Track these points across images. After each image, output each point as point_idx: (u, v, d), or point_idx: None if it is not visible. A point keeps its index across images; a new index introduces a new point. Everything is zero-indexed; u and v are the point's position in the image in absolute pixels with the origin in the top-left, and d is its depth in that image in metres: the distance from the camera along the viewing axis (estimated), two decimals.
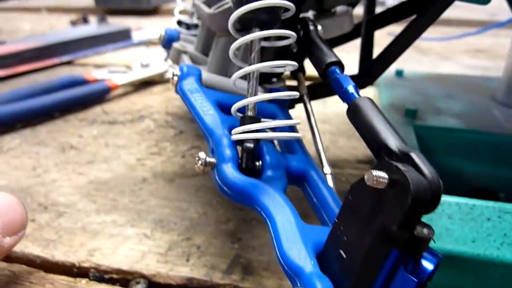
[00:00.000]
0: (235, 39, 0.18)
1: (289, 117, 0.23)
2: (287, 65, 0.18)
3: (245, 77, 0.18)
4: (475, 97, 0.38)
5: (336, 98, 0.43)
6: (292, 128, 0.22)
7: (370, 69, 0.26)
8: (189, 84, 0.21)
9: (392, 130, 0.14)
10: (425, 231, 0.12)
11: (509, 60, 0.36)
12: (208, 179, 0.34)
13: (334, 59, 0.18)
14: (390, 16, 0.28)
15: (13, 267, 0.25)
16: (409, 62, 0.67)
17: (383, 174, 0.12)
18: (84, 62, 0.64)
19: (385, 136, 0.14)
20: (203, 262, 0.25)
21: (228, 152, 0.17)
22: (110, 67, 0.56)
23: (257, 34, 0.17)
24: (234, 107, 0.18)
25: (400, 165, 0.12)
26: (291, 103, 0.27)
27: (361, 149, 0.40)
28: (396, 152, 0.13)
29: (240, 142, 0.18)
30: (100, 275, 0.25)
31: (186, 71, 0.21)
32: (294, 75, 0.26)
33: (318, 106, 0.49)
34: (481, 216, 0.23)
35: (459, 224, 0.23)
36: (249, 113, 0.18)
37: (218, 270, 0.24)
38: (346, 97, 0.17)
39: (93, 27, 0.77)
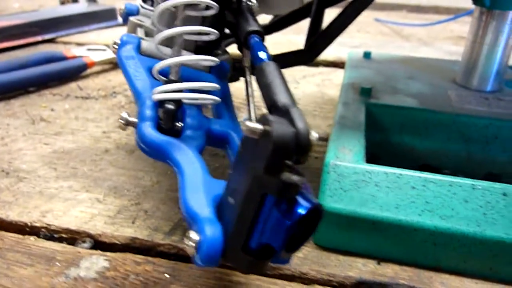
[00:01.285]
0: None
1: (226, 87, 0.24)
2: (210, 32, 0.19)
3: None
4: (435, 79, 0.39)
5: (309, 80, 0.44)
6: (225, 97, 0.23)
7: (314, 45, 0.27)
8: (127, 51, 0.22)
9: (285, 91, 0.15)
10: (294, 177, 0.13)
11: (467, 43, 0.37)
12: None
13: (255, 28, 0.19)
14: None
15: None
16: (389, 47, 0.67)
17: (257, 125, 0.13)
18: (67, 40, 0.65)
19: (276, 95, 0.15)
20: (147, 225, 0.26)
21: (148, 112, 0.18)
22: (91, 45, 0.57)
23: (176, 1, 0.18)
24: (154, 69, 0.19)
25: (273, 118, 0.13)
26: (235, 75, 0.28)
27: (323, 127, 0.41)
28: (281, 108, 0.14)
29: (163, 104, 0.19)
30: (50, 234, 0.26)
31: (125, 39, 0.22)
32: (240, 48, 0.27)
33: (291, 86, 0.50)
34: (406, 185, 0.24)
35: (385, 192, 0.24)
36: (171, 77, 0.19)
37: (160, 232, 0.26)
38: (256, 61, 0.18)
39: (80, 6, 0.77)
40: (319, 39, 0.27)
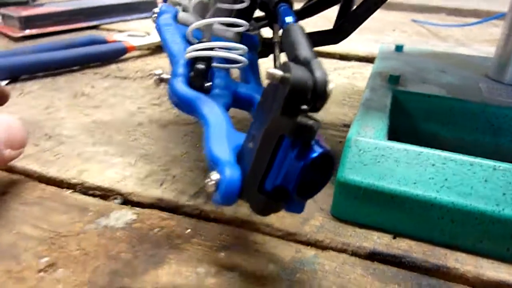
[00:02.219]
0: None
1: (254, 57, 0.25)
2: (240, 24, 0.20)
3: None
4: (467, 73, 0.39)
5: (340, 72, 0.45)
6: (252, 65, 0.24)
7: (342, 26, 0.28)
8: (165, 19, 0.24)
9: (307, 47, 0.16)
10: (310, 121, 0.14)
11: (501, 37, 0.37)
12: (197, 127, 0.37)
13: None
14: None
15: (13, 176, 0.29)
16: (425, 46, 0.67)
17: (277, 71, 0.14)
18: (109, 28, 0.69)
19: (299, 49, 0.16)
20: (174, 187, 0.28)
21: (181, 70, 0.20)
22: (131, 31, 0.60)
23: None
24: (189, 29, 0.21)
25: (293, 65, 0.14)
26: (264, 51, 0.29)
27: (350, 115, 0.41)
28: (301, 60, 0.15)
29: (194, 64, 0.20)
30: (85, 190, 0.28)
31: (164, 9, 0.24)
32: (270, 25, 0.28)
33: None
34: (426, 161, 0.24)
35: (404, 167, 0.24)
36: (204, 39, 0.20)
37: (186, 194, 0.27)
38: (283, 25, 0.19)
39: None
40: (348, 20, 0.28)
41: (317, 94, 0.14)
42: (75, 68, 0.50)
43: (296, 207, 0.17)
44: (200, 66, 0.20)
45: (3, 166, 0.25)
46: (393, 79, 0.35)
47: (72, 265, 0.21)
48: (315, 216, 0.26)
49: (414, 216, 0.24)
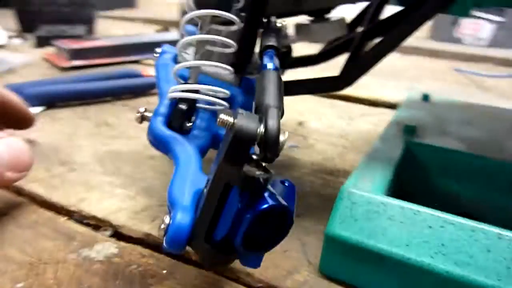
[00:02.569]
0: None
1: (249, 104, 0.25)
2: (225, 69, 0.20)
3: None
4: (494, 126, 0.36)
5: (366, 119, 0.44)
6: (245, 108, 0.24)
7: (348, 72, 0.27)
8: (164, 59, 0.24)
9: (274, 95, 0.16)
10: (257, 172, 0.13)
11: None
12: (207, 166, 0.37)
13: (271, 43, 0.21)
14: (383, 28, 0.29)
15: (18, 199, 0.30)
16: (463, 96, 0.63)
17: (227, 117, 0.14)
18: (149, 62, 0.72)
19: (263, 96, 0.16)
20: None
21: (162, 109, 0.20)
22: None
23: (197, 37, 0.20)
24: (173, 69, 0.21)
25: (243, 112, 0.14)
26: None
27: None
28: (262, 108, 0.15)
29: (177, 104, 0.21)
30: (80, 218, 0.29)
31: (165, 49, 0.25)
32: None
33: (342, 122, 0.49)
34: (422, 222, 0.22)
35: (397, 226, 0.22)
36: (189, 80, 0.20)
37: None
38: (262, 69, 0.19)
39: (170, 34, 0.86)
40: (354, 66, 0.27)
41: (267, 144, 0.13)
42: (108, 99, 0.53)
43: (252, 261, 0.16)
44: (181, 106, 0.20)
45: (3, 187, 0.26)
46: (409, 130, 0.33)
47: None
48: (301, 270, 0.24)
49: (405, 282, 0.22)
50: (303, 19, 0.30)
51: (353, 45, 0.30)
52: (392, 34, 0.26)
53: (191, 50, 0.24)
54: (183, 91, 0.20)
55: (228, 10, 0.21)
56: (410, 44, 0.65)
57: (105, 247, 0.25)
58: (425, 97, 0.43)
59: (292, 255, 0.26)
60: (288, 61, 0.30)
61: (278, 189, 0.15)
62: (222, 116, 0.14)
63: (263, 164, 0.14)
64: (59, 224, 0.27)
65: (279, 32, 0.23)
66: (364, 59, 0.27)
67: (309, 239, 0.27)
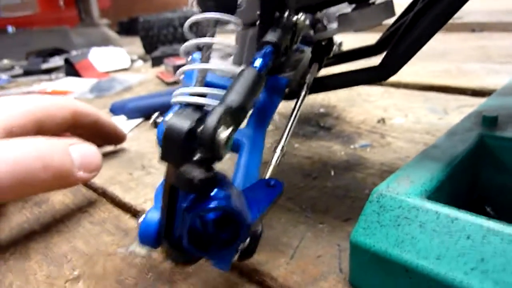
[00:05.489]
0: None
1: (270, 101, 0.24)
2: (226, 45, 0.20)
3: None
4: None
5: (463, 110, 0.40)
6: (263, 108, 0.24)
7: (388, 62, 0.24)
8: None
9: (237, 93, 0.15)
10: (194, 172, 0.13)
11: None
12: None
13: (269, 39, 0.20)
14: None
15: (98, 198, 0.35)
16: None
17: (168, 117, 0.14)
18: None
19: (224, 96, 0.15)
20: None
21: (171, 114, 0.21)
22: None
23: (200, 16, 0.21)
24: (177, 73, 0.22)
25: (183, 111, 0.14)
26: (290, 94, 0.27)
27: None
28: (214, 106, 0.15)
29: None
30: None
31: (194, 57, 0.26)
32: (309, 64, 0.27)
33: (433, 117, 0.44)
34: (460, 232, 0.19)
35: (429, 235, 0.19)
36: (195, 84, 0.21)
37: None
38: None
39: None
40: (394, 56, 0.24)
41: (201, 142, 0.13)
42: None
43: (220, 263, 0.16)
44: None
45: (74, 185, 0.30)
46: (488, 121, 0.28)
47: (90, 282, 0.24)
48: (328, 278, 0.23)
49: None
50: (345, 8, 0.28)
51: (403, 27, 0.26)
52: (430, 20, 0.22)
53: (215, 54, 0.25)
54: (190, 94, 0.20)
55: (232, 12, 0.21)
56: None
57: None
58: None
59: (324, 260, 0.24)
60: (327, 54, 0.28)
61: (235, 190, 0.15)
62: (167, 117, 0.14)
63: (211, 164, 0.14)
64: (123, 221, 0.31)
65: (291, 28, 0.22)
66: (402, 49, 0.24)
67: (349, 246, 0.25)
